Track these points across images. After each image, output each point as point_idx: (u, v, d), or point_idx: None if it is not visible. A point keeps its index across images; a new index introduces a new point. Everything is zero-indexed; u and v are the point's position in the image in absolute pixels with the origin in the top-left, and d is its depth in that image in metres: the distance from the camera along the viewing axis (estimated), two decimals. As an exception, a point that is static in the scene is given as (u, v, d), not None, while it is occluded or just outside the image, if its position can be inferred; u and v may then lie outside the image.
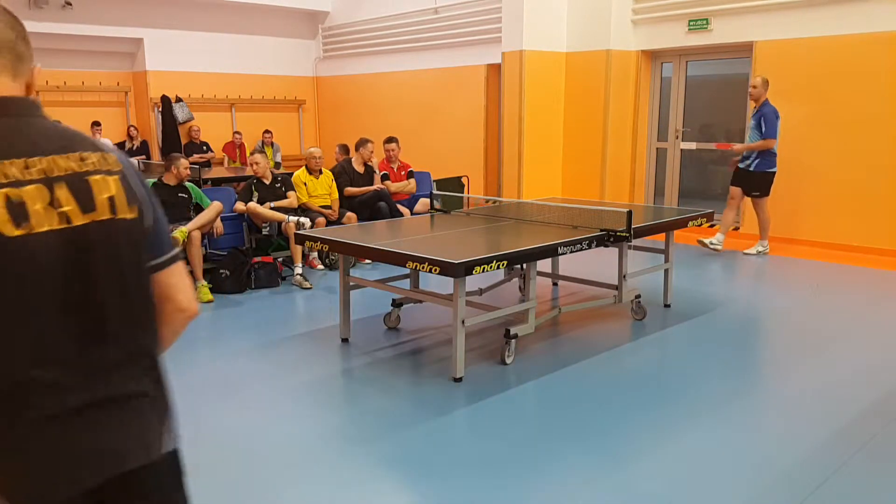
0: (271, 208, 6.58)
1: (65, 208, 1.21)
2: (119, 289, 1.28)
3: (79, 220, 1.22)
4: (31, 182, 1.18)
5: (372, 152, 7.63)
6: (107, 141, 11.48)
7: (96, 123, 11.35)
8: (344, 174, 7.47)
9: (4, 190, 1.15)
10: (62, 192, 1.21)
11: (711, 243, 7.25)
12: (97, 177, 1.26)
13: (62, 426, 1.21)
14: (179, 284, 1.42)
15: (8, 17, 1.29)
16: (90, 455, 1.25)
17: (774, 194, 7.97)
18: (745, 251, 7.38)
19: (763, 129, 6.93)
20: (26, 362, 1.18)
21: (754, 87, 7.14)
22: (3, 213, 1.14)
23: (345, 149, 10.43)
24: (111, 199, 1.27)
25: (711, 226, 6.88)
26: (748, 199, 7.44)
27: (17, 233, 1.15)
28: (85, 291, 1.23)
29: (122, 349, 1.30)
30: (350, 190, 7.40)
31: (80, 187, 1.23)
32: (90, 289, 1.24)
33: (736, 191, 7.30)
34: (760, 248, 7.39)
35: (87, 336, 1.24)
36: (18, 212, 1.16)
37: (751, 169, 7.14)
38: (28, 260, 1.16)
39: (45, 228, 1.18)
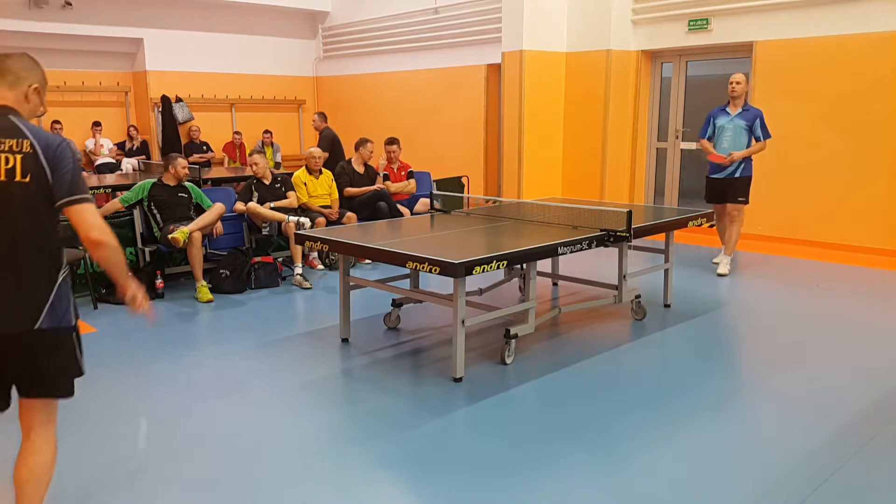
0: (271, 208, 6.58)
1: None
2: (10, 223, 2.15)
3: None
4: None
5: (371, 152, 7.63)
6: (106, 141, 11.54)
7: (97, 124, 11.35)
8: (344, 174, 7.47)
9: None
10: None
11: (728, 269, 6.61)
12: (6, 154, 2.14)
13: None
14: (79, 219, 2.20)
15: (18, 56, 2.30)
16: None
17: (774, 194, 7.98)
18: (718, 271, 6.61)
19: (760, 131, 6.45)
20: None
21: (738, 83, 6.50)
22: None
23: (323, 116, 10.51)
24: (10, 169, 2.13)
25: (711, 226, 6.73)
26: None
27: None
28: None
29: (16, 259, 2.17)
30: (350, 190, 7.40)
31: None
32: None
33: (718, 207, 6.63)
34: (725, 271, 6.59)
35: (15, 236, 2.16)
36: None
37: (737, 175, 6.51)
38: None
39: None
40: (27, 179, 2.14)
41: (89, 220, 2.19)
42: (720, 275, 6.53)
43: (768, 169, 8.11)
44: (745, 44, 8.19)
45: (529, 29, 9.19)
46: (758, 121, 6.45)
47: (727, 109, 6.58)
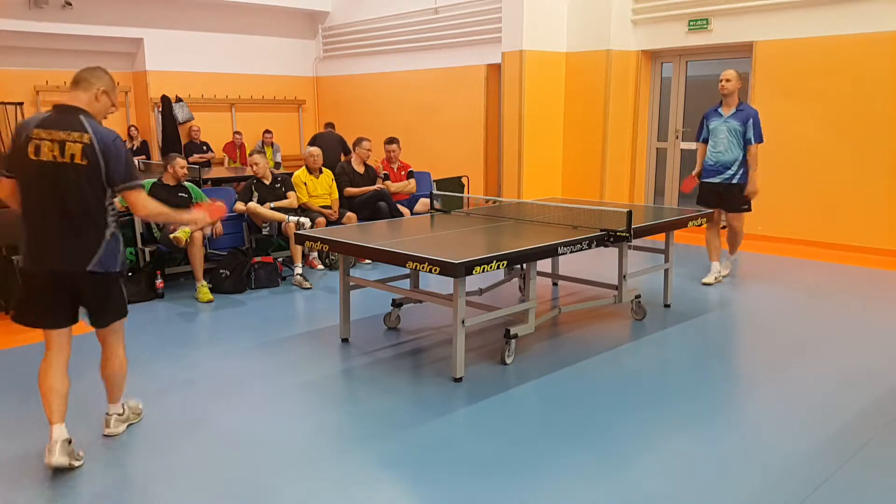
0: (271, 208, 6.58)
1: (54, 153, 2.94)
2: (70, 192, 2.97)
3: (58, 160, 2.94)
4: (47, 140, 2.93)
5: (369, 150, 7.60)
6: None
7: None
8: (344, 174, 7.48)
9: (35, 140, 2.93)
10: (55, 147, 2.94)
11: (717, 278, 6.27)
12: (70, 143, 2.95)
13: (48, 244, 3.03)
14: (130, 201, 3.11)
15: (92, 68, 3.18)
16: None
17: (774, 194, 7.98)
18: (706, 281, 6.23)
19: (752, 133, 5.96)
20: (35, 215, 3.00)
21: (728, 80, 5.97)
22: (33, 149, 2.92)
23: (330, 125, 10.65)
24: (73, 154, 2.95)
25: (723, 227, 6.52)
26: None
27: (34, 158, 2.93)
28: (58, 190, 2.95)
29: (78, 224, 3.00)
30: (350, 190, 7.40)
31: (62, 146, 2.94)
32: (61, 190, 2.96)
33: (714, 213, 6.12)
34: (726, 272, 6.42)
35: (58, 206, 2.97)
36: (37, 150, 2.93)
37: (734, 182, 6.07)
38: (37, 170, 2.94)
39: (45, 159, 2.93)
40: (84, 163, 2.96)
41: (138, 201, 3.12)
42: (722, 275, 6.45)
43: (768, 169, 8.10)
44: (745, 44, 8.19)
45: (529, 29, 9.19)
46: (751, 121, 5.95)
47: (720, 110, 6.13)
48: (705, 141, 6.28)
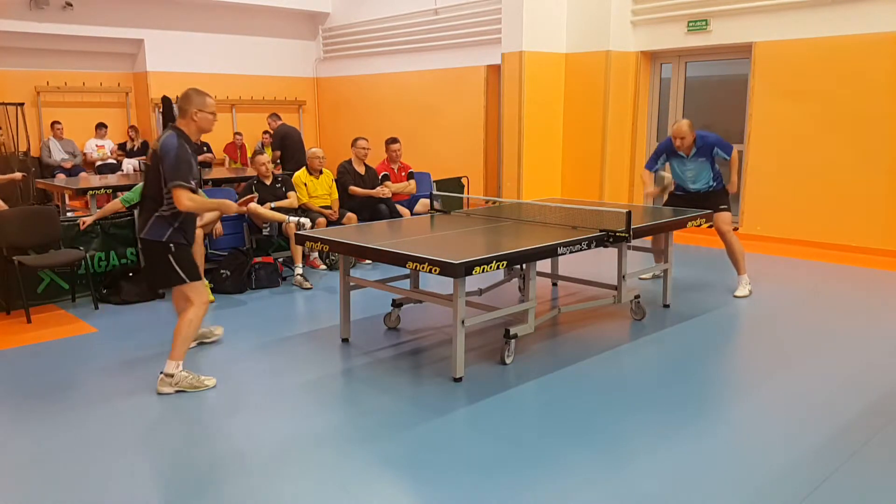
0: (272, 209, 6.59)
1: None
2: (147, 185, 3.93)
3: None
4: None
5: (366, 149, 7.54)
6: (107, 142, 11.55)
7: (101, 126, 11.36)
8: (346, 174, 7.48)
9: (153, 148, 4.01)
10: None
11: (749, 290, 5.90)
12: (154, 148, 3.91)
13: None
14: (175, 196, 3.73)
15: (183, 94, 4.04)
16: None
17: (773, 195, 7.98)
18: (738, 294, 5.84)
19: (724, 153, 5.67)
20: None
21: (682, 138, 5.60)
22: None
23: (275, 116, 10.62)
24: (149, 155, 4.00)
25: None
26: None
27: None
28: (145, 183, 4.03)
29: (145, 205, 3.92)
30: (355, 189, 7.39)
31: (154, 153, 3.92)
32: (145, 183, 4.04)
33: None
34: (745, 292, 5.88)
35: (144, 194, 4.00)
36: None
37: (709, 189, 5.84)
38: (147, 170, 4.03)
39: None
40: (150, 162, 3.89)
41: (179, 196, 3.72)
42: (739, 296, 5.81)
43: (767, 169, 8.14)
44: (745, 45, 8.20)
45: (529, 30, 9.20)
46: (715, 148, 5.66)
47: (680, 153, 5.77)
48: (655, 171, 5.96)
